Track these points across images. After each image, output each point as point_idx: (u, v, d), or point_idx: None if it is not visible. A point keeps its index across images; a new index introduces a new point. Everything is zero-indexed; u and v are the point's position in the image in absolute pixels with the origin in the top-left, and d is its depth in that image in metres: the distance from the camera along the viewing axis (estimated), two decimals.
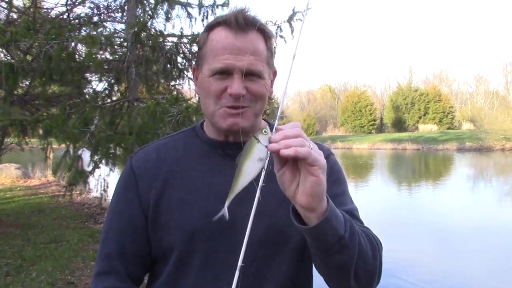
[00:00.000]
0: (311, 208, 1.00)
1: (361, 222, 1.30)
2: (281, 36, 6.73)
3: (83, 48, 5.81)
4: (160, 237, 1.26)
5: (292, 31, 6.63)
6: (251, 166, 1.00)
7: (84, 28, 6.35)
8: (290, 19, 6.64)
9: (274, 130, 1.01)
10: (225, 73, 1.19)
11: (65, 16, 8.16)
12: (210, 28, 1.25)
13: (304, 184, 0.97)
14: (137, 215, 1.29)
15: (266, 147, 0.99)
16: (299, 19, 6.59)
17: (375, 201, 13.84)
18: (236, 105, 1.19)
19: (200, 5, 6.74)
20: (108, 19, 8.88)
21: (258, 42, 1.21)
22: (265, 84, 1.23)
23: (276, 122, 1.08)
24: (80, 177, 5.61)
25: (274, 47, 5.44)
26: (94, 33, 5.38)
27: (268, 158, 1.01)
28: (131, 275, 1.30)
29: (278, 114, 1.09)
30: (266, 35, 1.24)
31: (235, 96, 1.18)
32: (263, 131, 0.99)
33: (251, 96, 1.21)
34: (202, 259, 1.23)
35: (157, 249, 1.28)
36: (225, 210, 1.05)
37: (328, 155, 1.37)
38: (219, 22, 1.22)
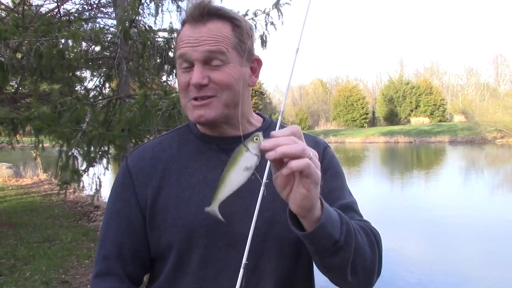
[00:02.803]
0: (301, 216, 1.01)
1: (360, 215, 1.30)
2: (272, 23, 6.68)
3: (74, 45, 5.77)
4: (158, 235, 1.25)
5: (280, 16, 6.58)
6: (236, 175, 0.99)
7: (74, 25, 6.28)
8: (276, 4, 6.59)
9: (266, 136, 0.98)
10: (188, 64, 1.19)
11: (55, 12, 8.08)
12: (181, 26, 1.26)
13: (294, 194, 0.97)
14: (135, 215, 1.28)
15: (258, 155, 0.97)
16: (287, 3, 6.54)
17: (367, 194, 13.86)
18: (200, 96, 1.19)
19: None
20: (99, 15, 8.81)
21: (220, 29, 1.19)
22: (230, 71, 1.20)
23: (278, 123, 1.06)
24: (74, 175, 5.56)
25: (266, 35, 5.33)
26: (80, 28, 5.30)
27: (255, 167, 0.99)
28: (130, 275, 1.29)
29: (281, 112, 1.07)
30: (232, 22, 1.22)
31: (196, 87, 1.18)
32: (254, 138, 0.96)
33: (215, 85, 1.18)
34: (201, 255, 1.22)
35: (156, 248, 1.27)
36: (215, 212, 1.06)
37: (324, 148, 1.37)
38: (185, 20, 1.24)
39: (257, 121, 1.38)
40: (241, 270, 1.05)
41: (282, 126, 1.12)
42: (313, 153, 0.96)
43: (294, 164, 0.91)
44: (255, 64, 1.30)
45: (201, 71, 1.17)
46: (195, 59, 1.18)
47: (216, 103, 1.20)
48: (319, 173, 0.96)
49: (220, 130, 1.28)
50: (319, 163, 0.97)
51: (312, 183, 0.95)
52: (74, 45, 5.14)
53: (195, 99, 1.20)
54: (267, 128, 1.34)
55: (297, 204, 0.97)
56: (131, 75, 6.19)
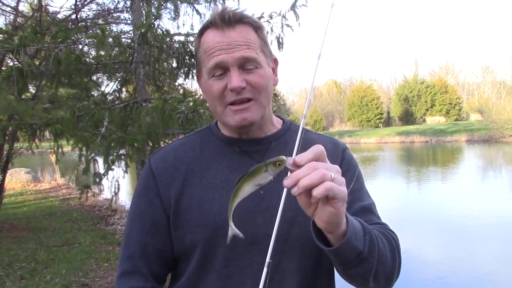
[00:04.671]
0: (328, 231, 1.02)
1: (378, 218, 1.32)
2: (288, 25, 6.68)
3: (92, 51, 5.84)
4: (182, 235, 1.27)
5: (297, 18, 6.58)
6: (248, 189, 1.02)
7: (91, 30, 6.36)
8: (293, 7, 6.59)
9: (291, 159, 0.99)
10: (222, 71, 1.20)
11: (73, 17, 8.17)
12: (201, 33, 1.27)
13: (322, 211, 0.98)
14: (159, 215, 1.30)
15: (273, 176, 1.00)
16: (303, 5, 6.54)
17: (384, 194, 13.78)
18: (239, 99, 1.21)
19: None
20: (116, 21, 8.90)
21: (248, 33, 1.23)
22: (264, 73, 1.23)
23: (296, 145, 1.08)
24: (96, 179, 5.62)
25: (282, 37, 5.42)
26: (102, 32, 5.36)
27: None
28: (154, 274, 1.31)
29: (304, 115, 1.08)
30: (254, 26, 1.25)
31: (235, 90, 1.19)
32: (277, 163, 0.98)
33: (252, 88, 1.21)
34: (224, 254, 1.24)
35: (180, 248, 1.29)
36: (234, 230, 1.08)
37: (343, 150, 1.40)
38: (207, 25, 1.25)
39: (277, 122, 1.40)
40: (265, 269, 1.07)
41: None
42: (335, 169, 0.96)
43: (316, 192, 0.92)
44: (273, 64, 1.34)
45: (239, 74, 1.19)
46: (231, 64, 1.19)
47: (255, 106, 1.23)
48: (344, 190, 0.96)
49: (248, 133, 1.30)
50: (343, 179, 0.97)
51: (339, 202, 0.96)
52: (101, 43, 5.17)
53: (232, 103, 1.22)
54: (286, 130, 1.38)
55: (325, 221, 0.99)
56: (148, 79, 6.23)
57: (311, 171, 0.93)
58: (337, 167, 0.98)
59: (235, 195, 1.03)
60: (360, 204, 1.28)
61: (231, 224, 1.07)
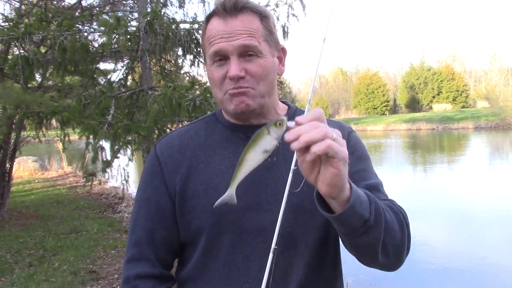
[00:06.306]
0: (331, 197, 1.00)
1: (385, 196, 1.31)
2: (293, 15, 6.65)
3: (99, 38, 5.83)
4: (188, 221, 1.28)
5: (304, 8, 6.55)
6: (253, 156, 1.01)
7: (96, 20, 6.35)
8: None
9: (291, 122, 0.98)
10: (223, 58, 1.21)
11: (75, 7, 8.16)
12: (207, 20, 1.27)
13: (324, 174, 0.97)
14: (165, 201, 1.31)
15: (278, 141, 0.98)
16: None
17: (390, 182, 13.75)
18: (238, 88, 1.21)
19: None
20: (121, 8, 8.86)
21: (251, 22, 1.21)
22: (264, 63, 1.22)
23: (306, 111, 1.06)
24: (104, 166, 5.64)
25: (287, 26, 5.39)
26: (111, 20, 5.35)
27: (274, 150, 1.01)
28: (161, 260, 1.32)
29: (309, 99, 1.08)
30: (260, 14, 1.24)
31: (233, 79, 1.19)
32: (278, 123, 0.97)
33: (251, 78, 1.21)
34: (230, 240, 1.24)
35: (186, 234, 1.30)
36: (232, 196, 1.09)
37: (349, 132, 1.39)
38: (212, 14, 1.25)
39: (282, 109, 1.40)
40: (270, 255, 1.07)
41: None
42: (336, 133, 0.95)
43: (316, 148, 0.91)
44: (281, 53, 1.33)
45: (238, 63, 1.19)
46: (230, 52, 1.19)
47: (254, 93, 1.23)
48: (345, 150, 0.95)
49: (250, 120, 1.30)
50: (344, 141, 0.97)
51: (341, 161, 0.95)
52: (111, 29, 5.16)
53: (231, 89, 1.22)
54: (292, 116, 1.37)
55: (327, 184, 0.97)
56: (154, 67, 6.22)
57: (313, 128, 0.92)
58: (338, 131, 0.97)
59: (240, 163, 1.03)
60: (365, 183, 1.26)
61: (231, 190, 1.07)
